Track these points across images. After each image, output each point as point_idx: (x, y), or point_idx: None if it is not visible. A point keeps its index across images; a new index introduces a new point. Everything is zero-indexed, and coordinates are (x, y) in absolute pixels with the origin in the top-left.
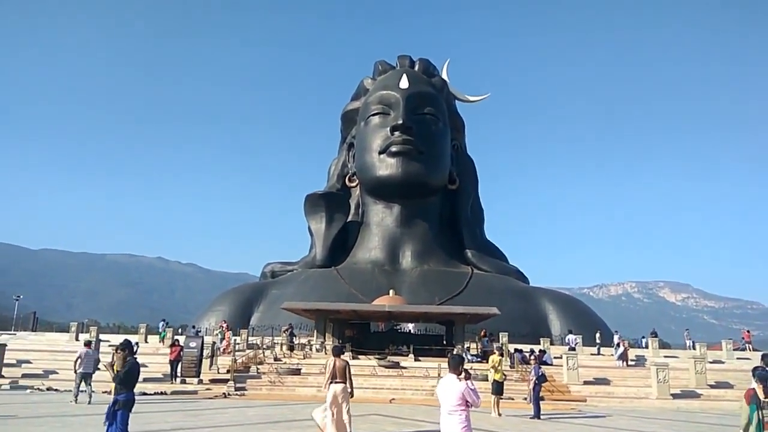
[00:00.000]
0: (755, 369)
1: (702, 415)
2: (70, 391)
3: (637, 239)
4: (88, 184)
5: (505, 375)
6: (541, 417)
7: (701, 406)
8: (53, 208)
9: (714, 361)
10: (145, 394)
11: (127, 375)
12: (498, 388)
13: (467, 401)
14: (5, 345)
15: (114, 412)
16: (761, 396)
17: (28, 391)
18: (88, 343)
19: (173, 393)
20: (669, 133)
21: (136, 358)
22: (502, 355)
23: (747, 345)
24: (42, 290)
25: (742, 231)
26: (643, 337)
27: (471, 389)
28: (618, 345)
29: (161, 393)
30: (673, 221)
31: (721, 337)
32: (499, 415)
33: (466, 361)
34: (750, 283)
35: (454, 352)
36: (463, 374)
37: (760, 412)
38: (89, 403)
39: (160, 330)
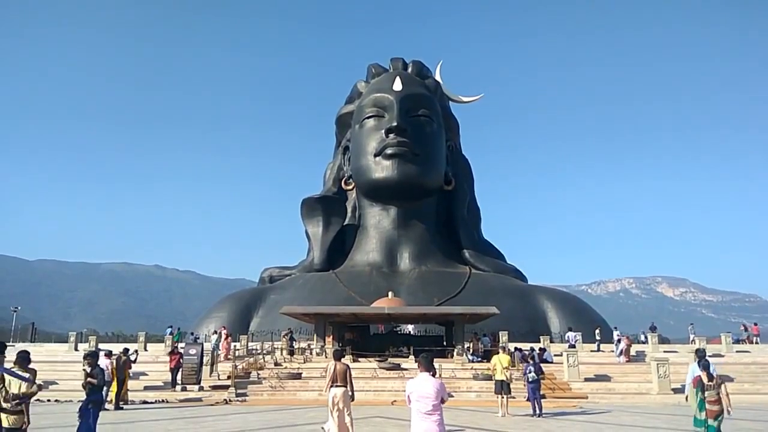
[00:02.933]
0: (699, 360)
1: None
2: (71, 401)
3: (634, 235)
4: (83, 193)
5: (510, 374)
6: (543, 415)
7: None
8: (48, 218)
9: (713, 355)
10: (146, 402)
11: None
12: (507, 388)
13: (442, 398)
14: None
15: (87, 410)
16: (705, 381)
17: None
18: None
19: (174, 401)
20: (663, 130)
21: (99, 366)
22: (511, 354)
23: (755, 338)
24: (38, 301)
25: (737, 224)
26: (643, 332)
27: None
28: (619, 341)
29: (162, 401)
30: (669, 216)
31: (720, 330)
32: (503, 415)
33: (467, 360)
34: (747, 277)
35: (456, 351)
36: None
37: (702, 394)
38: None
39: (167, 337)
